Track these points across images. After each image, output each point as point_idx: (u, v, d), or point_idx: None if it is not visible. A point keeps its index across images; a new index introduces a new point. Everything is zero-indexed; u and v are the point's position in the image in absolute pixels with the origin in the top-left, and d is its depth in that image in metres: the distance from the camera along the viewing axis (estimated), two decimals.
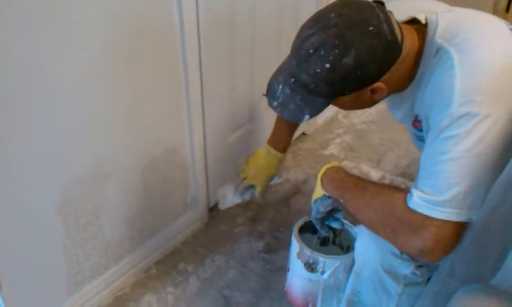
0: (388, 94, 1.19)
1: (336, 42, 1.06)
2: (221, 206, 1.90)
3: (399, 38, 1.11)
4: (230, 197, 1.87)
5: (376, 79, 1.12)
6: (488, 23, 1.17)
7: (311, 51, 1.09)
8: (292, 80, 1.17)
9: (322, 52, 1.08)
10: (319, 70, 1.09)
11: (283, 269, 1.91)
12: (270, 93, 1.25)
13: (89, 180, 1.55)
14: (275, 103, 1.23)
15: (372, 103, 1.23)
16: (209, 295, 1.82)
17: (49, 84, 1.33)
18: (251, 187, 1.82)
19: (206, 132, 1.94)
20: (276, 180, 1.85)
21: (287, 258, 1.91)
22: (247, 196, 1.85)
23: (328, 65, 1.08)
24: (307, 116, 1.19)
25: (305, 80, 1.13)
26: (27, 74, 1.26)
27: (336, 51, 1.06)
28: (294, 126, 1.80)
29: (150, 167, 1.76)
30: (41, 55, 1.28)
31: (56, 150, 1.41)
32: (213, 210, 2.18)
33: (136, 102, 1.60)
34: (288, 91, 1.19)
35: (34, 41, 1.24)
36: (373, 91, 1.15)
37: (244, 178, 1.82)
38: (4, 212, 1.35)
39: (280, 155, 1.79)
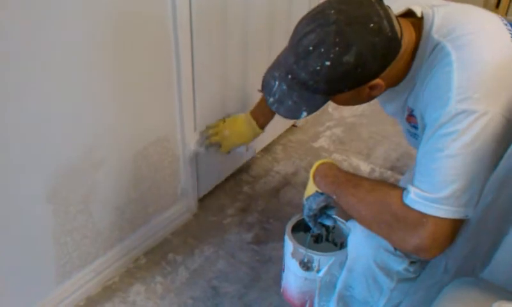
0: (384, 91, 1.19)
1: (337, 40, 1.05)
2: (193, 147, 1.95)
3: (399, 34, 1.11)
4: (192, 146, 1.94)
5: (376, 76, 1.11)
6: (484, 19, 1.18)
7: (310, 48, 1.08)
8: (290, 76, 1.16)
9: (322, 50, 1.06)
10: (318, 68, 1.08)
11: (272, 260, 1.91)
12: (266, 89, 1.23)
13: (79, 168, 1.54)
14: (271, 100, 1.22)
15: (369, 99, 1.22)
16: (198, 286, 1.82)
17: (38, 70, 1.31)
18: (216, 143, 1.89)
19: (197, 122, 1.93)
20: (241, 149, 1.88)
21: (276, 250, 1.92)
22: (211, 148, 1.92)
23: (328, 63, 1.07)
24: (305, 113, 1.18)
25: (304, 78, 1.12)
26: (16, 57, 1.25)
27: (337, 49, 1.05)
28: None
29: (140, 156, 1.75)
30: (31, 39, 1.26)
31: (45, 136, 1.40)
32: (203, 200, 2.18)
33: (126, 89, 1.59)
34: (285, 87, 1.18)
35: (23, 22, 1.23)
36: (371, 88, 1.14)
37: (215, 134, 1.87)
38: None
39: (257, 129, 1.82)
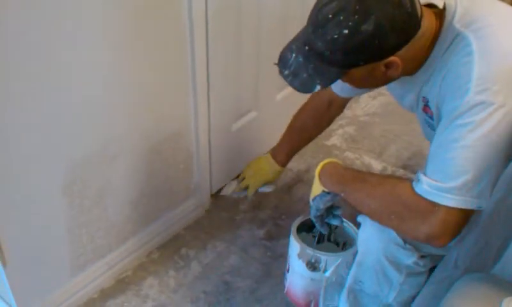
0: (401, 75, 1.18)
1: (357, 7, 1.05)
2: (223, 192, 2.09)
3: (419, 13, 1.11)
4: (229, 190, 2.04)
5: (392, 52, 1.11)
6: (506, 11, 1.18)
7: (330, 16, 1.08)
8: (307, 48, 1.16)
9: (341, 18, 1.06)
10: (336, 36, 1.08)
11: (283, 256, 1.91)
12: (282, 62, 1.23)
13: (94, 161, 1.56)
14: (286, 72, 1.21)
15: (384, 81, 1.23)
16: (210, 280, 1.84)
17: (53, 64, 1.34)
18: (247, 187, 1.92)
19: (211, 118, 1.95)
20: (265, 189, 1.91)
21: (288, 246, 1.93)
22: (241, 194, 1.97)
23: (346, 31, 1.07)
24: (318, 87, 1.17)
25: (320, 48, 1.12)
26: (30, 53, 1.27)
27: (356, 17, 1.05)
28: (295, 147, 1.87)
29: (154, 151, 1.77)
30: (46, 33, 1.29)
31: (61, 130, 1.43)
32: (215, 196, 2.19)
33: (141, 83, 1.61)
34: (301, 59, 1.18)
35: (36, 18, 1.25)
36: (387, 66, 1.14)
37: (243, 178, 1.92)
38: (9, 190, 1.37)
39: (276, 166, 1.86)
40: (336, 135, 2.66)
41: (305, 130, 1.84)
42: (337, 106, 1.77)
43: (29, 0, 1.22)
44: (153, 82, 1.65)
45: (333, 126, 2.68)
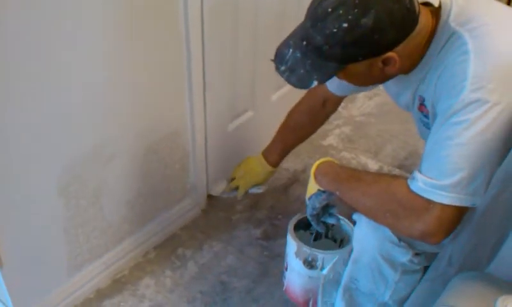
0: (397, 72, 1.19)
1: (357, 1, 1.06)
2: (213, 192, 2.13)
3: (417, 9, 1.11)
4: (219, 190, 2.10)
5: (391, 47, 1.11)
6: (501, 10, 1.19)
7: (329, 10, 1.08)
8: (305, 43, 1.16)
9: (341, 11, 1.07)
10: (335, 30, 1.08)
11: (280, 256, 1.92)
12: (278, 58, 1.23)
13: (90, 161, 1.56)
14: (283, 68, 1.21)
15: (381, 78, 1.23)
16: (207, 280, 1.84)
17: (51, 64, 1.34)
18: (237, 188, 1.94)
19: (207, 117, 1.95)
20: (255, 190, 1.93)
21: (284, 245, 1.93)
22: (231, 195, 1.99)
23: (345, 25, 1.07)
24: (315, 82, 1.17)
25: (319, 42, 1.12)
26: (28, 53, 1.27)
27: (356, 10, 1.06)
28: (289, 145, 1.87)
29: (151, 151, 1.77)
30: (44, 33, 1.28)
31: (58, 130, 1.43)
32: (212, 197, 2.19)
33: (137, 83, 1.61)
34: (298, 55, 1.18)
35: (35, 18, 1.25)
36: (385, 63, 1.14)
37: (233, 178, 1.95)
38: (5, 190, 1.37)
39: (268, 167, 1.87)
40: (333, 135, 2.66)
41: (300, 128, 1.84)
42: (332, 104, 1.77)
43: (29, 0, 1.22)
44: (149, 81, 1.65)
45: (329, 126, 2.71)
